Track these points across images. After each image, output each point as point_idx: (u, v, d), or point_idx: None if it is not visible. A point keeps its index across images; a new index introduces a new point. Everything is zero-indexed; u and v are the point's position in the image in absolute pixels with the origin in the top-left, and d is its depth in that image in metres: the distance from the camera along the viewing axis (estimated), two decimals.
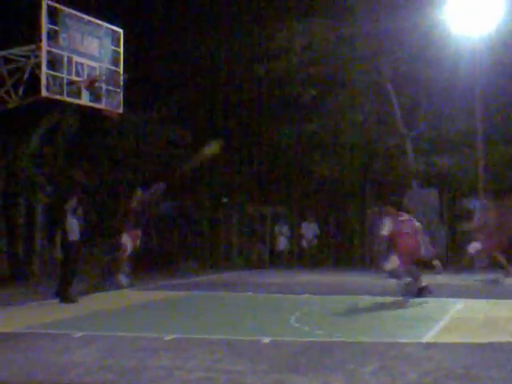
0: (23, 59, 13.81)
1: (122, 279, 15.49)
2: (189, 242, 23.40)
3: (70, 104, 15.13)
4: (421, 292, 12.45)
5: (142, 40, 21.30)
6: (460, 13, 19.52)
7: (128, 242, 15.62)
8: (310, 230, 22.83)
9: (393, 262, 12.49)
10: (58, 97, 13.73)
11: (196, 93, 23.93)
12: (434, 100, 22.63)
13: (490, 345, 7.90)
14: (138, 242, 15.96)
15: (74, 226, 13.06)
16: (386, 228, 12.62)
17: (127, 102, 15.91)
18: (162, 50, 23.14)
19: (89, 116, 18.30)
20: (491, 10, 19.30)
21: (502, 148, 21.93)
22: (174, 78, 23.42)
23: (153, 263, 19.80)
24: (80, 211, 13.33)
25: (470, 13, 19.38)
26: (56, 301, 12.76)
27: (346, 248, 23.68)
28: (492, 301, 12.17)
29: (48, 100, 14.07)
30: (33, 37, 13.60)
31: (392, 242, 12.71)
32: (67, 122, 19.85)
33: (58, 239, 12.92)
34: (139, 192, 16.20)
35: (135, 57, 18.53)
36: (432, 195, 21.90)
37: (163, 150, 22.28)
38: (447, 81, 21.07)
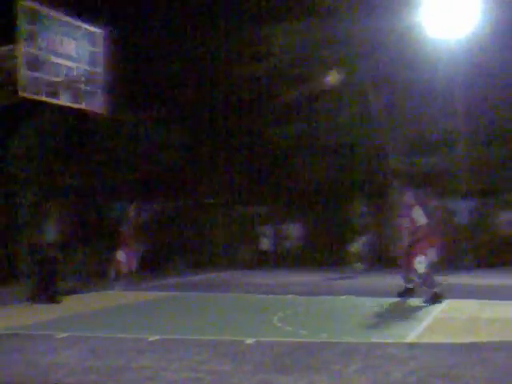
0: (4, 59, 13.70)
1: (117, 286, 15.45)
2: (176, 242, 23.31)
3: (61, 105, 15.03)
4: (406, 293, 12.48)
5: (141, 40, 21.20)
6: (437, 15, 19.73)
7: (124, 259, 15.58)
8: (292, 230, 22.87)
9: (423, 264, 11.75)
10: (36, 97, 13.63)
11: (195, 93, 23.82)
12: (414, 101, 22.73)
13: (472, 344, 7.98)
14: (135, 262, 15.95)
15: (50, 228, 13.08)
16: (422, 218, 11.93)
17: (126, 102, 15.80)
18: (161, 49, 23.01)
19: (80, 116, 18.14)
20: (467, 12, 19.51)
21: (484, 149, 22.07)
22: (173, 78, 23.29)
23: (141, 264, 19.75)
24: (57, 213, 13.31)
25: (446, 14, 19.61)
26: (29, 303, 12.73)
27: (330, 248, 23.70)
28: (475, 301, 12.23)
29: (35, 100, 13.97)
30: (13, 37, 13.49)
31: (421, 235, 11.97)
32: (57, 122, 19.69)
33: (48, 239, 12.95)
34: (132, 210, 16.07)
35: (135, 56, 18.41)
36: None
37: (162, 150, 22.22)
38: (426, 82, 21.18)
